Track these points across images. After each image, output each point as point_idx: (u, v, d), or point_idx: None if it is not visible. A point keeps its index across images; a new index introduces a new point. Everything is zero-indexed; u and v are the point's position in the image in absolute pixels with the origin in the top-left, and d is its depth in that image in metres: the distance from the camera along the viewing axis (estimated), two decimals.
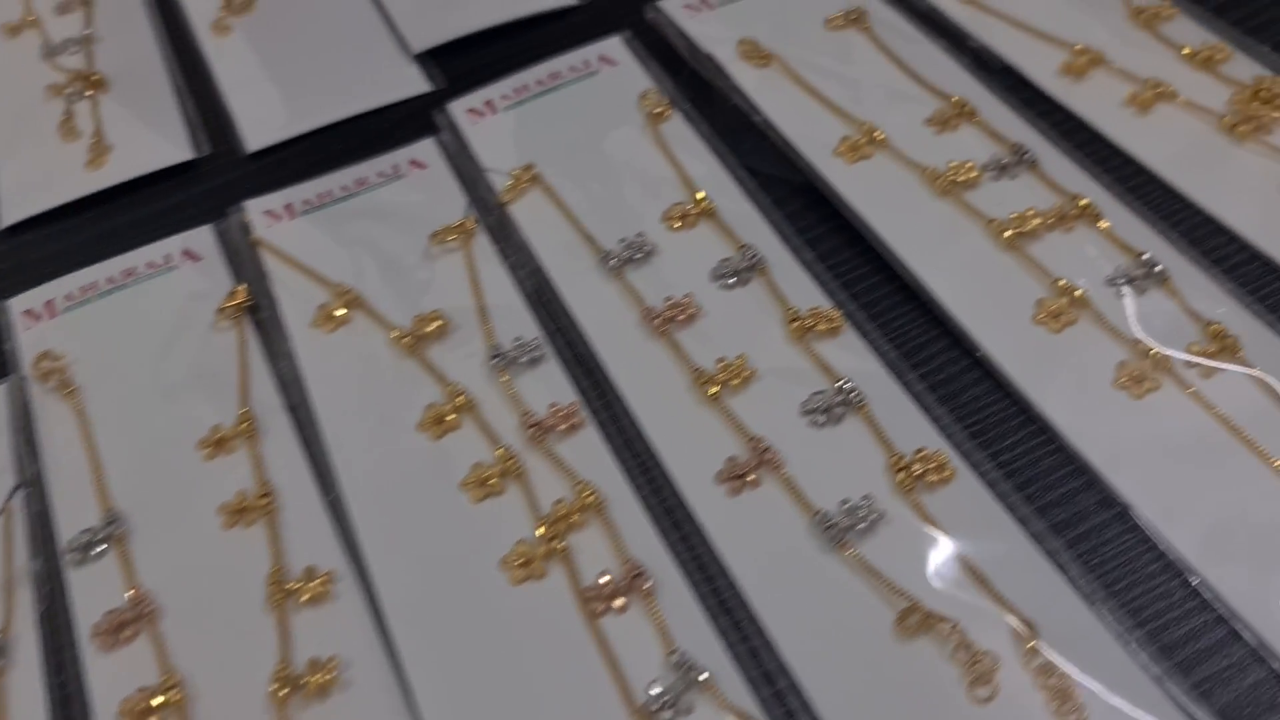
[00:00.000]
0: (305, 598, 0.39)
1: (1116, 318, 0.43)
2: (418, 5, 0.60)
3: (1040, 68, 0.53)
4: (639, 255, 0.47)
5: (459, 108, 0.54)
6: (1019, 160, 0.48)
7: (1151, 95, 0.50)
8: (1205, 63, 0.51)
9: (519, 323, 0.46)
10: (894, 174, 0.48)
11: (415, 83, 0.57)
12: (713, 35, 0.55)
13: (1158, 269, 0.44)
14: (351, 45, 0.59)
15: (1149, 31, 0.53)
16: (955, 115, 0.50)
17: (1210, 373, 0.41)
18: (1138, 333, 0.42)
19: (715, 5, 0.57)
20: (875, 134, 0.49)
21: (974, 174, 0.47)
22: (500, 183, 0.51)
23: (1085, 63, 0.52)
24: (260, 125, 0.55)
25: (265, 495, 0.41)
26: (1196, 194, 0.47)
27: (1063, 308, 0.43)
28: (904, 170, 0.48)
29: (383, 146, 0.53)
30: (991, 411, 0.42)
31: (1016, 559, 0.37)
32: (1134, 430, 0.40)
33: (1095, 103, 0.51)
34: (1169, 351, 0.41)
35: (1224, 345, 0.41)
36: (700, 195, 0.48)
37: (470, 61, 0.58)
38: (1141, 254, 0.44)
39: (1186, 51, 0.52)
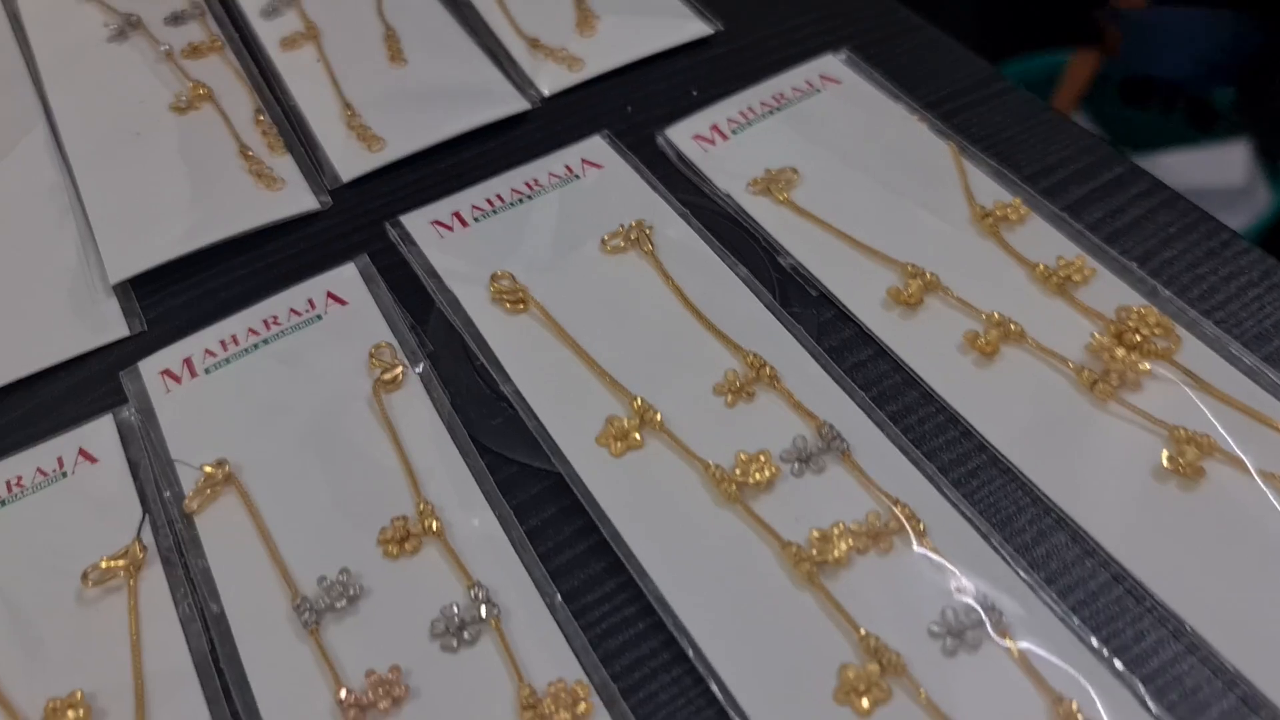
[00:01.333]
0: None
1: (940, 691, 0.33)
2: (125, 222, 0.49)
3: (863, 295, 0.43)
4: (342, 603, 0.36)
5: (151, 368, 0.43)
6: (827, 446, 0.38)
7: (996, 335, 0.40)
8: (1061, 286, 0.42)
9: (184, 705, 0.35)
10: (668, 470, 0.38)
11: (111, 326, 0.46)
12: (460, 269, 0.44)
13: (1000, 614, 0.34)
14: (46, 276, 0.48)
15: (995, 239, 0.44)
16: (752, 379, 0.40)
17: None
18: (961, 712, 0.32)
19: (469, 222, 0.46)
20: (649, 414, 0.39)
21: (769, 473, 0.37)
22: (191, 480, 0.40)
23: (917, 288, 0.42)
24: None
25: None
26: (1049, 487, 0.37)
27: (872, 678, 0.33)
28: (682, 464, 0.38)
29: (60, 420, 0.42)
30: None
31: None
32: None
33: (928, 347, 0.41)
34: None
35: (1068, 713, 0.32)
36: (423, 506, 0.38)
37: (188, 292, 0.47)
38: (968, 589, 0.34)
39: (1040, 269, 0.42)
